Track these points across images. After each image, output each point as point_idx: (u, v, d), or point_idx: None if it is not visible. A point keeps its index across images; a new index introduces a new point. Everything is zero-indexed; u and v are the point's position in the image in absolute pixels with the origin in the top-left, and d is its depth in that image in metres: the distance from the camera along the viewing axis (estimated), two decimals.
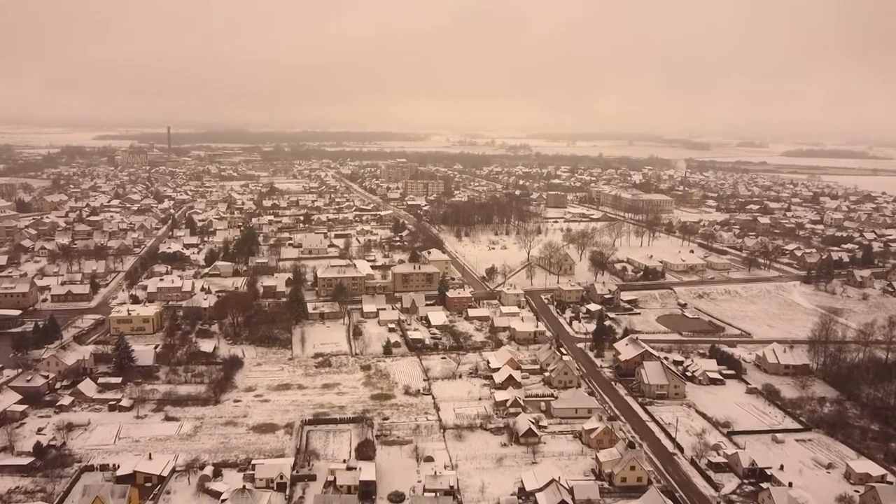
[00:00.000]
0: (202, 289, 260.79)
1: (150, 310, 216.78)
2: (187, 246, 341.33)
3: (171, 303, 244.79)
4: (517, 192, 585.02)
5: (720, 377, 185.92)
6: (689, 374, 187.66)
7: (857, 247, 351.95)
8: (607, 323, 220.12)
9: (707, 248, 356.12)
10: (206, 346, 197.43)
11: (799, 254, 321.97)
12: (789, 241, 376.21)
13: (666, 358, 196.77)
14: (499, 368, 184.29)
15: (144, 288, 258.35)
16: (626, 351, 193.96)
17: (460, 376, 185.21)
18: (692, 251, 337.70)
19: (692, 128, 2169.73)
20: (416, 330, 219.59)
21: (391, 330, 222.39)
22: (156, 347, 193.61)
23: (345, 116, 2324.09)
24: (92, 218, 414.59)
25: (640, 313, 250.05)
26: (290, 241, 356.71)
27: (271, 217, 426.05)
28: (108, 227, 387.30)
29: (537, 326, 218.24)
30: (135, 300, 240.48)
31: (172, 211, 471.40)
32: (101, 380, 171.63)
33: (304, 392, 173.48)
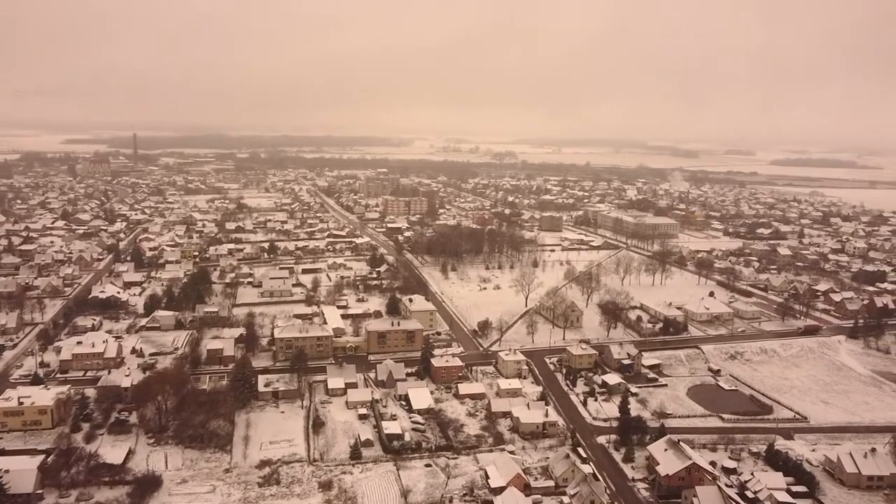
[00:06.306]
0: (133, 350, 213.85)
1: (49, 396, 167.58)
2: (128, 285, 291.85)
3: (88, 374, 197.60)
4: (507, 211, 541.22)
5: (791, 500, 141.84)
6: (749, 493, 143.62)
7: None
8: (633, 410, 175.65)
9: (728, 286, 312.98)
10: (115, 453, 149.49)
11: (837, 298, 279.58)
12: (816, 277, 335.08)
13: (713, 463, 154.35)
14: (502, 489, 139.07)
15: (59, 351, 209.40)
16: (665, 460, 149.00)
17: (451, 501, 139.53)
18: (712, 293, 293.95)
19: (677, 135, 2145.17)
20: (393, 418, 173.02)
21: (362, 417, 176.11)
22: (45, 458, 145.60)
23: (328, 121, 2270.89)
24: (25, 247, 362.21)
25: (666, 384, 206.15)
26: (251, 280, 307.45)
27: (232, 246, 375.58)
28: (41, 258, 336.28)
29: (546, 415, 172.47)
30: (37, 377, 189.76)
31: (123, 235, 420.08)
32: None
33: None
